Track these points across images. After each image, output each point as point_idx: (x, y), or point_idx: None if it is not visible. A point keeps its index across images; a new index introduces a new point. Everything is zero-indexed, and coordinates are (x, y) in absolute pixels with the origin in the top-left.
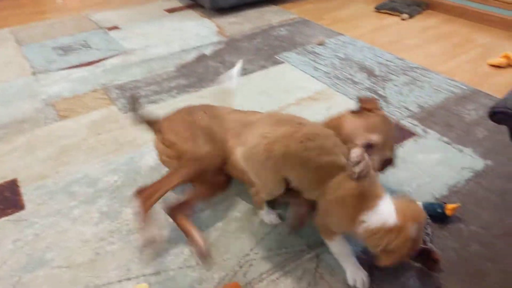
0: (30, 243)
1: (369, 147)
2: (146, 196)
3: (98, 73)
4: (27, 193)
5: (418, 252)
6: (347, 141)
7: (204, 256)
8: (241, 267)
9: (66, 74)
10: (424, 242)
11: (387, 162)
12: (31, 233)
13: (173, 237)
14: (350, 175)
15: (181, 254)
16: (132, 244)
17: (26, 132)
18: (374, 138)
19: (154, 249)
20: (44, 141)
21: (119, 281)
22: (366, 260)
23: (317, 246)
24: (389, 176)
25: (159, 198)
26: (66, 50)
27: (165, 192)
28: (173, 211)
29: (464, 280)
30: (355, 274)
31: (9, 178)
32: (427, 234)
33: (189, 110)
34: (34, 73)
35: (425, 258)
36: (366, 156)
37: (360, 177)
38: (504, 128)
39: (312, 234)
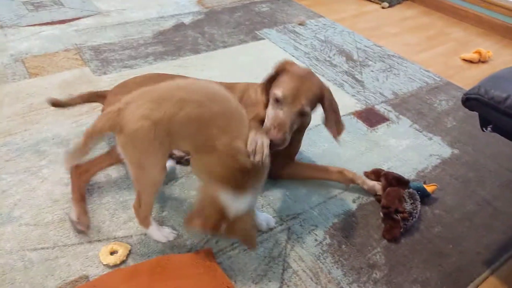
0: None
1: (277, 101)
2: (80, 170)
3: (71, 33)
4: None
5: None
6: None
7: (78, 230)
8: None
9: (37, 30)
10: (404, 209)
11: (302, 115)
12: None
13: None
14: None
15: (154, 219)
16: (104, 207)
17: None
18: (278, 92)
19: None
20: (12, 97)
21: (90, 242)
22: (336, 235)
23: (289, 219)
24: (362, 158)
25: (92, 175)
26: (36, 6)
27: (99, 170)
28: (75, 171)
29: (427, 259)
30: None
31: None
32: (415, 208)
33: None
34: (1, 27)
35: (391, 223)
36: (260, 139)
37: (258, 161)
38: (472, 119)
39: (284, 208)
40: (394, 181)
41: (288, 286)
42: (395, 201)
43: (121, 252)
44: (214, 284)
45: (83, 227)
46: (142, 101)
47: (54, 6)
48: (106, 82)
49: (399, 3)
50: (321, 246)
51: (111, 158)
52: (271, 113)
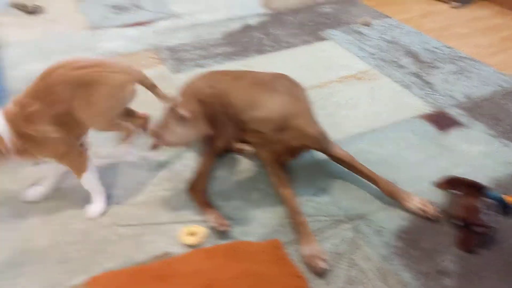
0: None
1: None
2: (193, 187)
3: (149, 34)
4: None
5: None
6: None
7: (222, 231)
8: (282, 227)
9: (121, 31)
10: (483, 222)
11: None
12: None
13: (220, 190)
14: None
15: (227, 207)
16: (183, 194)
17: None
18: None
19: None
20: None
21: (171, 223)
22: (404, 238)
23: (356, 218)
24: (430, 162)
25: (205, 183)
26: (119, 8)
27: (207, 177)
28: (192, 189)
29: (501, 271)
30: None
31: None
32: (493, 220)
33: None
34: (91, 28)
35: (467, 234)
36: None
37: None
38: None
39: (351, 206)
40: (470, 189)
41: (354, 283)
42: (473, 213)
43: (200, 234)
44: (284, 271)
45: (225, 227)
46: None
47: (134, 9)
48: (180, 79)
49: (470, 2)
50: (388, 248)
51: (208, 161)
52: None
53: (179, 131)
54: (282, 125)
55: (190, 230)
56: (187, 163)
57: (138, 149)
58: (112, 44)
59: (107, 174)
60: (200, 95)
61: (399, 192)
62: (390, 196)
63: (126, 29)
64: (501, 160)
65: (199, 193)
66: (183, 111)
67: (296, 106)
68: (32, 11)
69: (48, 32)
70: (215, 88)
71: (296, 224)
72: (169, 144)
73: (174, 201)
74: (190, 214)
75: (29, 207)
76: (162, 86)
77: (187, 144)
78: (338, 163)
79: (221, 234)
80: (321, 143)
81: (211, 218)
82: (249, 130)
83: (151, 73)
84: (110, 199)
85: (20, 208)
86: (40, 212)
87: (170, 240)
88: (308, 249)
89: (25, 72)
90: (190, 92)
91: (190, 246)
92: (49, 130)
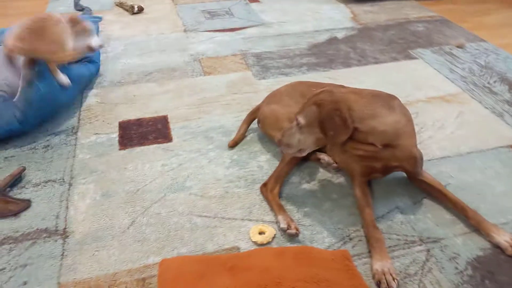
0: (174, 170)
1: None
2: (268, 188)
3: (238, 40)
4: (174, 129)
5: None
6: None
7: (291, 234)
8: (351, 239)
9: (211, 35)
10: None
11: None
12: (176, 162)
13: (290, 195)
14: None
15: (296, 212)
16: (255, 192)
17: (176, 79)
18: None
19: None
20: (190, 90)
21: (242, 219)
22: (479, 269)
23: (430, 241)
24: None
25: (280, 186)
26: (212, 14)
27: (283, 180)
28: (266, 189)
29: None
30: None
31: (161, 113)
32: None
33: (279, 97)
34: (185, 31)
35: None
36: None
37: None
38: None
39: (425, 228)
40: None
41: None
42: None
43: (268, 233)
44: (352, 282)
45: (295, 230)
46: None
47: (226, 15)
48: (264, 85)
49: None
50: (461, 276)
51: (287, 165)
52: None
53: (299, 138)
54: (393, 142)
55: (260, 229)
56: (261, 164)
57: (215, 146)
58: (202, 47)
59: (188, 166)
60: (318, 100)
61: (488, 224)
62: (477, 226)
63: (216, 33)
64: None
65: (273, 194)
66: (301, 119)
67: (407, 127)
68: (136, 12)
69: (146, 31)
70: (334, 94)
71: (372, 238)
72: (294, 151)
73: (247, 199)
74: (261, 213)
75: (116, 187)
76: (245, 90)
77: (308, 150)
78: (424, 188)
79: (290, 237)
80: (418, 167)
81: (282, 220)
82: (359, 139)
83: (236, 77)
84: (186, 189)
85: (107, 188)
86: (123, 194)
87: (240, 236)
88: (381, 264)
89: (123, 66)
90: (307, 97)
91: (258, 244)
92: None
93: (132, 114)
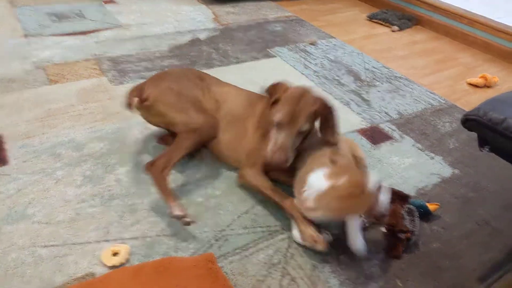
0: (12, 197)
1: (277, 125)
2: (158, 168)
3: (91, 44)
4: (11, 150)
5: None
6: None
7: (186, 223)
8: (217, 240)
9: (59, 40)
10: (406, 229)
11: (301, 133)
12: (14, 188)
13: (153, 206)
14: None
15: (160, 223)
16: (113, 209)
17: (14, 91)
18: (276, 118)
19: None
20: (32, 102)
21: (98, 241)
22: (335, 245)
23: (291, 228)
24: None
25: (170, 169)
26: (60, 17)
27: (174, 164)
28: (151, 167)
29: (423, 274)
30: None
31: None
32: (414, 225)
33: (176, 77)
34: (26, 36)
35: (395, 240)
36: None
37: None
38: (474, 142)
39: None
40: (395, 197)
41: None
42: (400, 220)
43: (123, 253)
44: (215, 285)
45: (191, 218)
46: None
47: (76, 18)
48: (122, 91)
49: (409, 27)
50: (320, 255)
51: (183, 150)
52: (274, 137)
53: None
54: None
55: (112, 250)
56: (119, 178)
57: (64, 163)
58: (47, 53)
59: (29, 190)
60: (315, 106)
61: None
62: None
63: (65, 38)
64: (427, 172)
65: (163, 176)
66: (282, 116)
67: None
68: None
69: None
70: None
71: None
72: (291, 155)
73: (104, 218)
74: (120, 231)
75: None
76: (99, 98)
77: (292, 156)
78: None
79: (184, 225)
80: None
81: (178, 206)
82: None
83: (89, 83)
84: (28, 217)
85: None
86: None
87: (95, 260)
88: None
89: None
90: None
91: (115, 267)
92: None
93: None
